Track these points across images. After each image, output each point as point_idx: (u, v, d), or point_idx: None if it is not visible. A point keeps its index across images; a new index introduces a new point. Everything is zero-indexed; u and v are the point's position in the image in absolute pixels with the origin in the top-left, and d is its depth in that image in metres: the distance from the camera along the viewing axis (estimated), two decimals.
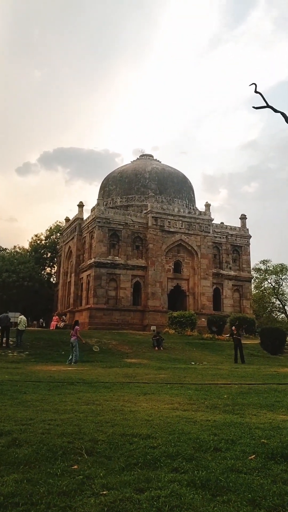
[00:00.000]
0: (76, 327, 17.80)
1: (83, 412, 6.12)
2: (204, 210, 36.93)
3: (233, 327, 20.48)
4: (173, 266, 34.78)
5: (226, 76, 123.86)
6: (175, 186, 39.30)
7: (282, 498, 3.07)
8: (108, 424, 5.34)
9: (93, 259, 32.64)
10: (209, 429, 5.26)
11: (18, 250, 52.53)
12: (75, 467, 3.71)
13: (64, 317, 35.54)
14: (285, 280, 60.78)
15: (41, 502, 2.90)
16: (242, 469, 3.74)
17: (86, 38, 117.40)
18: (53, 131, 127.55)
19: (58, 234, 51.16)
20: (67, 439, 4.53)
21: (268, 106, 19.62)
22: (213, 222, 36.73)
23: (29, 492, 3.07)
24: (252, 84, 20.37)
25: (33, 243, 54.63)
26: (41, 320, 37.96)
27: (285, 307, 61.69)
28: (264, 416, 6.33)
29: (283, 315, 61.93)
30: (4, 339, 19.23)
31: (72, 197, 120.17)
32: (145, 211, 35.00)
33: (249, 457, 4.08)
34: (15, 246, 53.95)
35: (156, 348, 21.97)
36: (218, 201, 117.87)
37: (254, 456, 4.13)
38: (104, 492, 3.12)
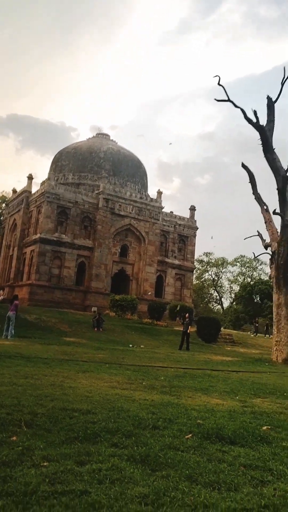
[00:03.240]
0: (16, 301, 17.38)
1: (22, 386, 6.00)
2: (155, 198, 37.13)
3: (186, 314, 21.05)
4: (119, 250, 34.78)
5: (191, 64, 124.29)
6: (129, 169, 39.07)
7: (218, 476, 3.21)
8: (48, 398, 5.28)
9: (38, 235, 31.79)
10: (148, 407, 5.38)
11: None
12: (14, 438, 3.64)
13: (2, 291, 34.43)
14: (224, 273, 63.16)
15: None
16: (179, 447, 3.87)
17: (56, 4, 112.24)
18: (8, 96, 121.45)
19: (4, 205, 49.16)
20: (6, 411, 4.43)
21: (229, 100, 20.06)
22: (163, 210, 37.06)
23: None
24: (216, 76, 20.66)
25: None
26: None
27: (222, 299, 64.18)
28: (199, 398, 6.58)
29: (219, 306, 64.45)
30: None
31: (22, 168, 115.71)
32: (96, 192, 34.53)
33: (186, 436, 4.22)
34: None
35: (96, 329, 22.01)
36: (170, 190, 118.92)
37: (190, 435, 4.28)
38: (45, 464, 3.09)
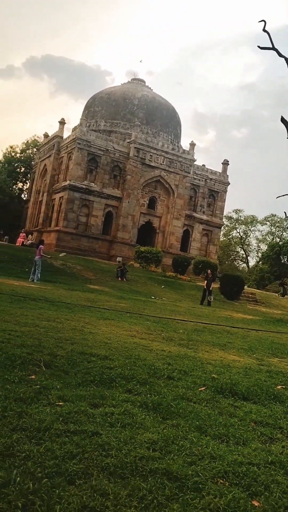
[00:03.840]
0: (41, 246, 17.69)
1: (44, 328, 6.19)
2: (188, 150, 36.06)
3: (209, 270, 21.03)
4: (147, 202, 34.46)
5: (236, 8, 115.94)
6: (163, 118, 37.81)
7: (227, 429, 3.26)
8: (68, 342, 5.44)
9: (68, 182, 31.73)
10: (164, 358, 5.47)
11: None
12: (33, 377, 3.77)
13: (31, 235, 35.09)
14: (253, 232, 62.08)
15: None
16: (192, 398, 3.93)
17: None
18: (44, 36, 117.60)
19: (35, 150, 48.95)
20: (27, 350, 4.59)
21: (273, 48, 18.65)
22: (195, 163, 36.09)
23: None
24: (262, 21, 19.17)
25: (7, 155, 52.15)
26: (6, 237, 37.19)
27: (248, 257, 63.56)
28: (216, 354, 6.64)
29: (244, 265, 63.96)
30: None
31: (55, 112, 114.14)
32: (128, 140, 33.77)
33: (200, 389, 4.28)
34: None
35: (120, 279, 22.32)
36: (204, 142, 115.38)
37: (204, 388, 4.34)
38: (60, 403, 3.21)
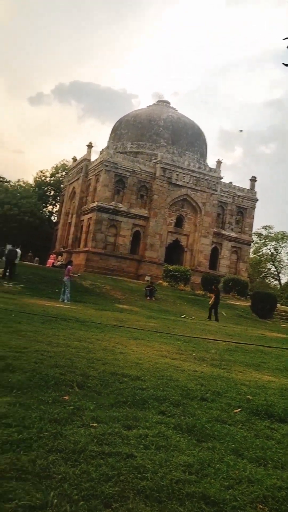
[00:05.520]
0: (69, 266, 17.93)
1: (76, 348, 6.24)
2: (214, 167, 36.12)
3: (214, 285, 20.69)
4: (175, 220, 34.55)
5: (260, 26, 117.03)
6: (189, 138, 38.15)
7: (265, 452, 3.17)
8: (99, 362, 5.45)
9: (96, 203, 32.29)
10: (196, 379, 5.39)
11: (22, 184, 51.78)
12: (66, 397, 3.80)
13: (61, 256, 35.72)
14: (284, 248, 60.92)
15: (33, 426, 2.98)
16: (227, 420, 3.85)
17: None
18: (72, 62, 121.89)
19: (64, 173, 50.28)
20: (60, 371, 4.63)
21: None
22: (222, 180, 36.06)
23: (22, 416, 3.14)
24: (286, 38, 19.36)
25: (37, 179, 53.77)
26: (37, 258, 38.02)
27: (280, 274, 62.24)
28: (250, 374, 6.49)
29: (276, 282, 62.63)
30: (6, 270, 19.53)
31: (83, 136, 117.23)
32: (154, 161, 34.19)
33: (234, 411, 4.19)
34: (19, 180, 53.09)
35: (148, 298, 22.30)
36: (231, 159, 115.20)
37: (239, 410, 4.24)
38: (94, 425, 3.21)
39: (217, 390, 4.89)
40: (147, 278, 30.11)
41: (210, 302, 19.38)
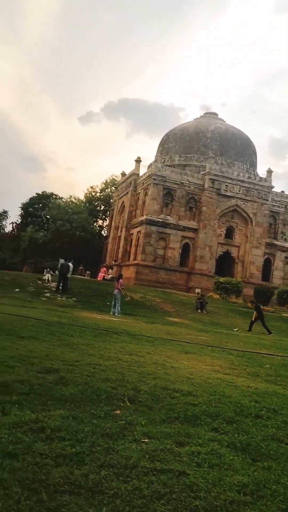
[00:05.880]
0: (120, 280, 18.17)
1: (127, 361, 6.26)
2: (265, 177, 35.38)
3: (251, 302, 19.98)
4: (224, 231, 34.09)
5: None
6: (238, 148, 37.73)
7: None
8: (150, 376, 5.43)
9: (145, 216, 32.61)
10: (251, 395, 5.22)
11: (74, 200, 53.66)
12: (118, 412, 3.81)
13: (111, 270, 36.28)
14: None
15: (85, 440, 3.01)
16: (283, 439, 3.68)
17: None
18: (120, 80, 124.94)
19: (113, 188, 51.42)
20: (111, 385, 4.66)
21: None
22: (273, 190, 35.22)
23: (74, 429, 3.19)
24: None
25: (88, 195, 55.40)
26: (88, 272, 38.91)
27: None
28: None
29: None
30: (59, 284, 20.15)
31: (131, 151, 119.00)
32: (202, 172, 34.08)
33: None
34: (70, 196, 55.19)
35: (199, 311, 22.02)
36: (283, 167, 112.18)
37: None
38: (145, 440, 3.19)
39: (272, 407, 4.70)
40: (197, 290, 29.82)
41: (252, 319, 18.73)
